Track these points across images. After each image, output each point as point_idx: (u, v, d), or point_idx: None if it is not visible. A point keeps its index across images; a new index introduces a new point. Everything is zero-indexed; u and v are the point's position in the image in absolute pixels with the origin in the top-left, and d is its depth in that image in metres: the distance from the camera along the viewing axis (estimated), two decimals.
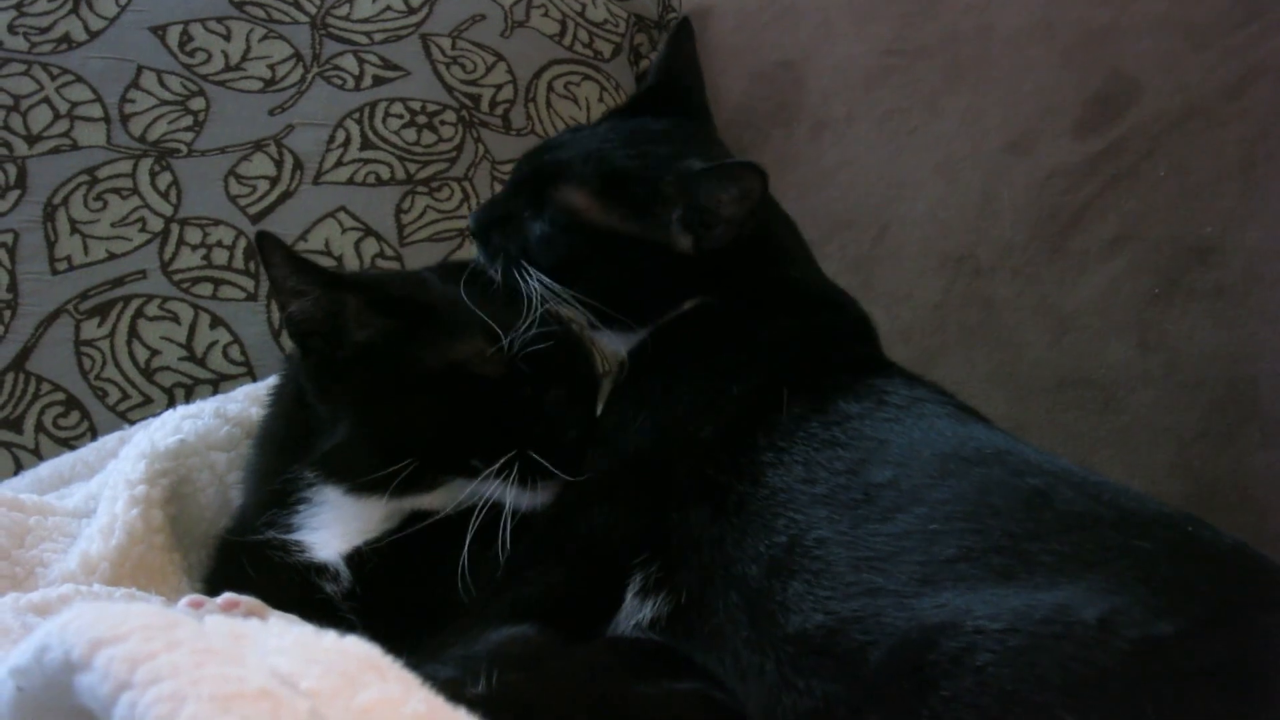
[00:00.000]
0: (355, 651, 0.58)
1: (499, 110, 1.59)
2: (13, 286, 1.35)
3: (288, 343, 1.36)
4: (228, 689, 0.50)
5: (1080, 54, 1.37)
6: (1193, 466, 1.18)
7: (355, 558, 0.96)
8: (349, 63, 1.54)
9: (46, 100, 1.42)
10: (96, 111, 1.43)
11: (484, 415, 0.97)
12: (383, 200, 1.48)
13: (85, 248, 1.38)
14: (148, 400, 1.35)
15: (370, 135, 1.51)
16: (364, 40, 1.56)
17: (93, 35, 1.47)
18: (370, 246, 1.46)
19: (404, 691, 0.56)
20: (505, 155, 1.56)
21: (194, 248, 1.40)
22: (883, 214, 1.51)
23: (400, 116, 1.53)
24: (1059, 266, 1.32)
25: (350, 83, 1.53)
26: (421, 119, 1.54)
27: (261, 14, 1.54)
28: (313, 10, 1.56)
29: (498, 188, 1.53)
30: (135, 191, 1.41)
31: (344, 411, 0.98)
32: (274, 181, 1.45)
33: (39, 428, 1.31)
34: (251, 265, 1.41)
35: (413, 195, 1.50)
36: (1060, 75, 1.38)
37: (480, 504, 0.94)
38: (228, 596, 0.74)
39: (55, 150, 1.40)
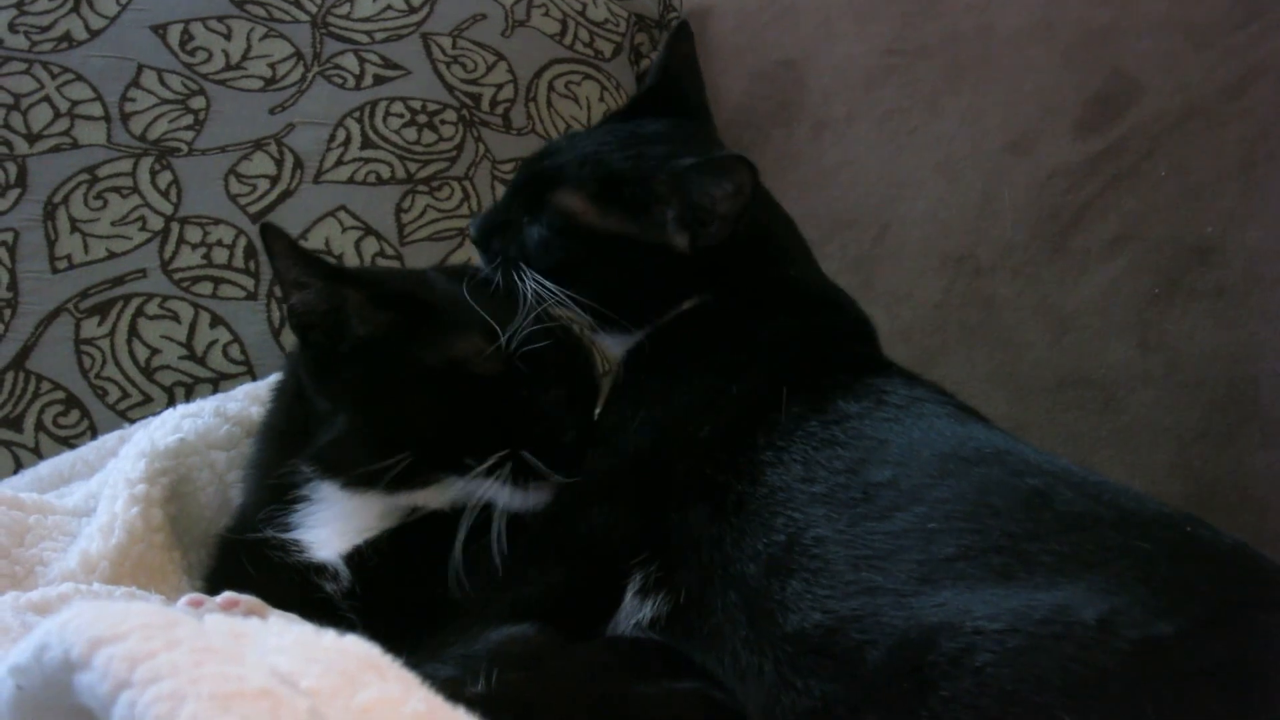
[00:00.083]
0: (355, 650, 0.58)
1: (499, 110, 1.59)
2: (13, 285, 1.35)
3: (288, 341, 1.37)
4: (227, 688, 0.50)
5: (1080, 54, 1.37)
6: (1193, 466, 1.18)
7: (355, 557, 0.96)
8: (349, 62, 1.54)
9: (47, 99, 1.42)
10: (97, 110, 1.43)
11: (480, 413, 0.97)
12: (383, 199, 1.48)
13: (85, 246, 1.38)
14: (148, 399, 1.35)
15: (371, 134, 1.51)
16: (364, 39, 1.56)
17: (93, 34, 1.47)
18: (370, 245, 1.46)
19: (404, 690, 0.56)
20: (506, 155, 1.56)
21: (194, 247, 1.40)
22: (883, 214, 1.51)
23: (401, 116, 1.53)
24: (1059, 266, 1.32)
25: (351, 82, 1.53)
26: (422, 118, 1.54)
27: (262, 13, 1.54)
28: (313, 9, 1.56)
29: (498, 187, 1.54)
30: (135, 190, 1.41)
31: (342, 405, 0.98)
32: (274, 180, 1.45)
33: (39, 426, 1.31)
34: (251, 264, 1.41)
35: (413, 194, 1.50)
36: (1060, 75, 1.38)
37: (474, 503, 0.94)
38: (227, 595, 0.74)
39: (55, 149, 1.40)
